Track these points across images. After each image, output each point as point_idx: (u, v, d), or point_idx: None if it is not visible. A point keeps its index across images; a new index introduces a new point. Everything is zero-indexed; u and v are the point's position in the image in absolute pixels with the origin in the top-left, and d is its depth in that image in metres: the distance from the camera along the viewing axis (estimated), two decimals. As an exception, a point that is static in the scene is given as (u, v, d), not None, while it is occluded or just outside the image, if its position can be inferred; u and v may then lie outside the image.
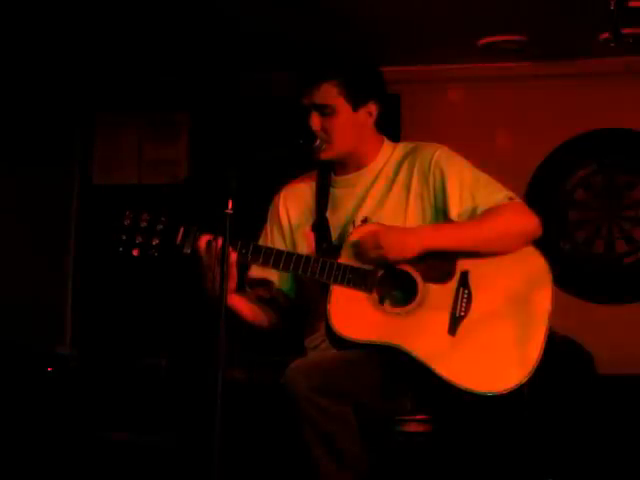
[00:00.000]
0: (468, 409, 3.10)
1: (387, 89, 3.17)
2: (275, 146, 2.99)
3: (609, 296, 5.30)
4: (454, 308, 2.95)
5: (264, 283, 3.18)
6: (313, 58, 3.17)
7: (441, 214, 3.05)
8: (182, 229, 3.00)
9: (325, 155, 3.09)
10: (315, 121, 3.06)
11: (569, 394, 4.72)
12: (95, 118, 5.97)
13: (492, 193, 3.03)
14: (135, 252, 3.01)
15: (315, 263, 2.96)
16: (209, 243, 2.93)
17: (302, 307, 3.18)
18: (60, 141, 5.85)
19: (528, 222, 3.02)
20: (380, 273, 2.96)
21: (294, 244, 3.19)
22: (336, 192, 3.18)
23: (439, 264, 2.97)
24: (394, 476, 3.14)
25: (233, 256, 2.93)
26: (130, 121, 5.95)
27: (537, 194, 5.26)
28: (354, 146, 3.12)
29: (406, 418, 3.03)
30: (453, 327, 2.94)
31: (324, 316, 2.94)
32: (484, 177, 3.07)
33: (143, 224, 3.01)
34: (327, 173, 3.20)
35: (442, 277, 2.98)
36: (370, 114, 3.13)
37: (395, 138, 3.27)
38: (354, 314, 2.94)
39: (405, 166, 3.12)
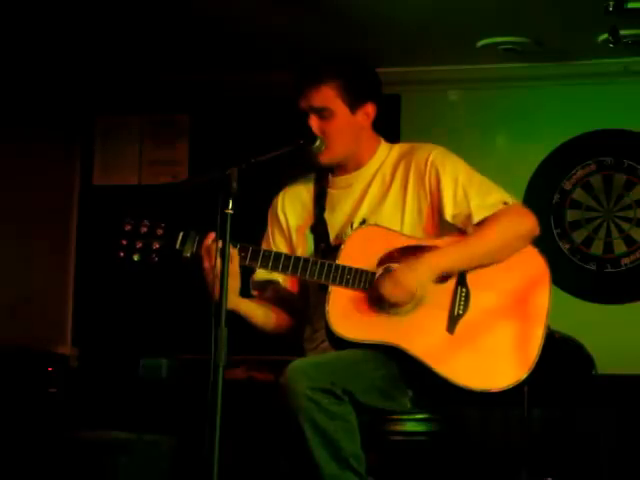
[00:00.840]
0: (469, 409, 3.11)
1: (384, 90, 3.18)
2: (275, 147, 3.00)
3: (608, 296, 5.30)
4: (452, 307, 2.96)
5: (270, 284, 3.19)
6: (310, 61, 3.18)
7: (437, 214, 3.06)
8: (181, 234, 3.01)
9: (325, 159, 3.10)
10: (313, 124, 3.07)
11: (569, 394, 4.72)
12: (95, 119, 5.97)
13: (486, 195, 3.03)
14: (135, 257, 3.03)
15: (313, 265, 2.97)
16: (209, 246, 2.94)
17: (302, 307, 3.19)
18: (61, 141, 5.85)
19: (526, 224, 3.02)
20: (378, 273, 2.97)
21: (294, 246, 3.19)
22: (334, 193, 3.18)
23: None
24: (394, 476, 3.14)
25: (234, 253, 2.94)
26: (130, 121, 5.95)
27: (536, 194, 5.26)
28: (352, 148, 3.12)
29: (406, 418, 3.03)
30: (451, 325, 2.94)
31: (323, 317, 2.95)
32: (479, 178, 3.07)
33: (143, 229, 3.03)
34: (325, 174, 3.20)
35: (440, 276, 2.99)
36: (367, 115, 3.13)
37: (395, 139, 3.27)
38: (353, 314, 2.95)
39: (402, 166, 3.12)
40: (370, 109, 3.13)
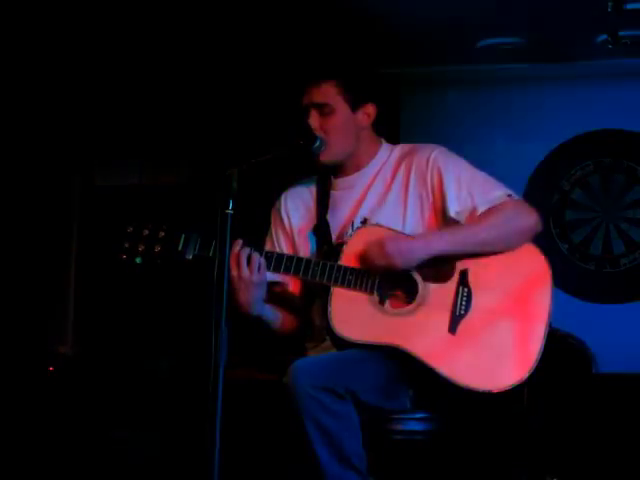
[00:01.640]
0: (468, 407, 3.12)
1: (385, 91, 3.19)
2: (275, 147, 3.00)
3: (607, 296, 5.31)
4: (454, 307, 2.96)
5: (275, 285, 3.19)
6: (313, 59, 3.19)
7: (440, 214, 3.06)
8: (183, 237, 3.02)
9: (324, 158, 3.10)
10: (314, 120, 3.08)
11: (569, 392, 4.73)
12: (97, 119, 5.98)
13: (490, 191, 3.03)
14: (138, 260, 3.04)
15: (315, 266, 2.98)
16: (238, 254, 2.95)
17: (305, 307, 3.20)
18: (62, 142, 5.86)
19: (528, 219, 3.03)
20: (380, 274, 2.98)
21: (296, 247, 3.20)
22: (336, 194, 3.19)
23: (439, 263, 2.98)
24: (394, 475, 3.15)
25: (263, 262, 2.96)
26: (131, 121, 5.96)
27: (535, 194, 5.26)
28: (352, 147, 3.13)
29: (406, 417, 3.04)
30: (453, 326, 2.95)
31: (325, 317, 2.96)
32: (481, 175, 3.08)
33: (145, 232, 3.04)
34: (327, 175, 3.21)
35: (442, 276, 2.99)
36: (368, 115, 3.14)
37: (394, 139, 3.28)
38: (355, 315, 2.96)
39: (403, 167, 3.13)
40: (371, 109, 3.14)
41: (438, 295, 2.97)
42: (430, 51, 5.29)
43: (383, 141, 3.23)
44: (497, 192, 3.04)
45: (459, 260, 2.99)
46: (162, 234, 3.03)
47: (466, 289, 2.97)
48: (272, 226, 3.28)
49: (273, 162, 2.97)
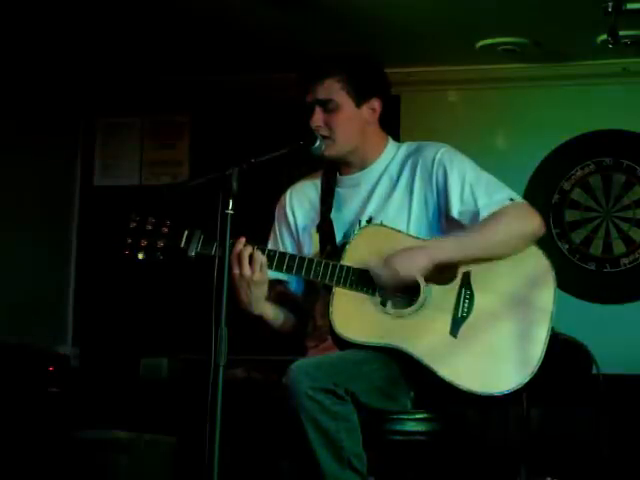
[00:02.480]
0: (469, 408, 3.11)
1: (390, 86, 3.19)
2: (275, 147, 3.00)
3: (607, 296, 5.30)
4: (456, 309, 2.95)
5: (277, 284, 3.18)
6: (316, 55, 3.19)
7: (444, 213, 3.06)
8: (186, 233, 3.00)
9: (329, 152, 3.09)
10: (318, 117, 3.07)
11: (569, 394, 4.73)
12: (96, 119, 5.98)
13: (493, 193, 3.03)
14: (140, 255, 3.02)
15: (318, 265, 2.97)
16: (240, 252, 2.94)
17: (307, 306, 3.19)
18: (61, 142, 5.86)
19: (531, 223, 3.02)
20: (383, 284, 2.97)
21: (300, 244, 3.19)
22: (341, 192, 3.18)
23: (441, 265, 2.97)
24: (394, 476, 3.15)
25: (264, 259, 2.95)
26: (131, 122, 5.96)
27: (535, 194, 5.26)
28: (357, 143, 3.12)
29: (406, 417, 3.03)
30: (455, 328, 2.94)
31: (327, 317, 2.95)
32: (486, 176, 3.07)
33: (148, 227, 3.02)
34: (332, 172, 3.20)
35: (444, 278, 2.98)
36: (373, 111, 3.13)
37: (395, 139, 3.26)
38: (356, 315, 2.95)
39: (408, 165, 3.12)
40: (376, 104, 3.13)
41: (440, 297, 2.96)
42: (430, 51, 5.29)
43: (390, 139, 3.22)
44: (500, 195, 3.03)
45: (462, 262, 2.99)
46: (165, 230, 3.02)
47: (468, 291, 2.97)
48: (276, 222, 3.27)
49: (273, 162, 2.96)
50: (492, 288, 2.98)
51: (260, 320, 3.09)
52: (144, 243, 3.01)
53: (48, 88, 5.55)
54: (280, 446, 2.94)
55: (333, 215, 3.15)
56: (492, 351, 2.95)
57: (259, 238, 3.25)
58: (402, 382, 2.97)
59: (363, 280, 2.95)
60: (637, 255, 5.32)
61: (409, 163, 3.13)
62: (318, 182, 3.24)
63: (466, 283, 2.97)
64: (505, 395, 2.94)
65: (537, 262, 3.02)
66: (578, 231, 5.42)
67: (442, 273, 2.97)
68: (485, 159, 3.28)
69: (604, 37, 4.66)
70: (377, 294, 2.96)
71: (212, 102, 5.78)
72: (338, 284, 2.95)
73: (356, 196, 3.15)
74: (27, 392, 4.90)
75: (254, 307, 3.01)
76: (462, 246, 2.96)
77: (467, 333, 2.94)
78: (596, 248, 5.38)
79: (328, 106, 3.07)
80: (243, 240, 2.94)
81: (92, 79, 5.66)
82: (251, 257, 2.94)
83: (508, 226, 2.98)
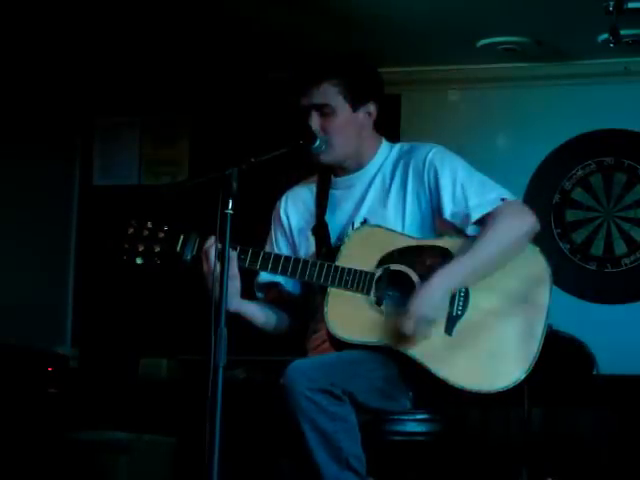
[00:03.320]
0: (468, 408, 3.11)
1: (385, 90, 3.18)
2: (275, 147, 2.99)
3: (608, 296, 5.30)
4: (451, 307, 2.94)
5: (274, 286, 3.18)
6: (312, 59, 3.17)
7: (437, 213, 3.04)
8: (181, 237, 3.01)
9: (325, 158, 3.08)
10: (315, 122, 3.06)
11: (569, 394, 4.72)
12: (96, 119, 5.98)
13: (485, 192, 3.01)
14: (138, 260, 3.03)
15: (312, 266, 2.97)
16: (207, 249, 2.94)
17: (305, 308, 3.19)
18: (61, 142, 5.86)
19: (525, 222, 3.00)
20: (377, 274, 2.97)
21: (296, 248, 3.19)
22: (336, 193, 3.17)
23: (436, 264, 2.96)
24: (394, 476, 3.14)
25: (233, 255, 2.94)
26: (131, 122, 5.96)
27: (536, 194, 5.26)
28: (354, 147, 3.11)
29: (406, 418, 3.03)
30: (450, 327, 2.93)
31: (322, 318, 2.95)
32: (478, 176, 3.06)
33: (145, 232, 3.03)
34: (327, 175, 3.20)
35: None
36: (369, 114, 3.12)
37: (395, 139, 3.26)
38: (351, 316, 2.94)
39: (401, 166, 3.11)
40: (372, 108, 3.12)
41: None
42: (430, 51, 5.29)
43: (383, 140, 3.21)
44: (492, 195, 3.01)
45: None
46: (161, 235, 3.03)
47: (463, 289, 2.96)
48: (272, 228, 3.26)
49: (273, 162, 2.96)
50: (487, 285, 2.97)
51: (238, 317, 3.07)
52: (141, 248, 3.02)
53: (48, 88, 5.55)
54: (280, 447, 2.94)
55: (327, 217, 3.14)
56: (488, 348, 2.94)
57: (259, 238, 3.25)
58: (400, 382, 2.97)
59: (357, 280, 2.95)
60: (638, 255, 5.32)
61: (402, 164, 3.12)
62: (313, 185, 3.23)
63: None
64: (502, 392, 2.93)
65: (532, 258, 3.01)
66: (579, 231, 5.41)
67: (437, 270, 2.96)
68: (486, 159, 3.29)
69: (605, 36, 4.65)
70: (372, 294, 2.95)
71: (212, 102, 5.78)
72: (333, 285, 2.95)
73: (350, 198, 3.14)
74: (26, 393, 4.90)
75: (228, 303, 2.99)
76: (472, 266, 2.94)
77: (462, 331, 2.93)
78: (597, 248, 5.38)
79: (324, 110, 3.05)
80: (212, 238, 2.93)
81: (91, 79, 5.66)
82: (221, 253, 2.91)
83: (506, 232, 2.97)
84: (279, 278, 3.13)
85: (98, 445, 4.60)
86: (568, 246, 5.40)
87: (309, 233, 3.15)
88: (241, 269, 3.00)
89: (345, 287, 2.95)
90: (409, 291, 2.95)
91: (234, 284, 2.99)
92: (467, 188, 3.01)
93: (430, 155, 3.07)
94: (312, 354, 3.10)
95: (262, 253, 3.01)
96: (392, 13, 4.74)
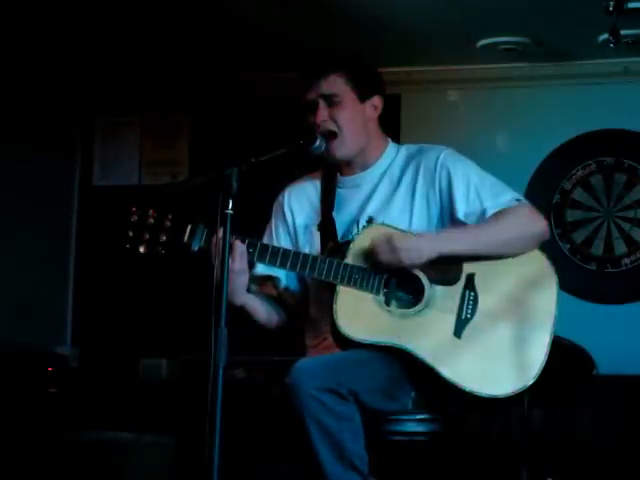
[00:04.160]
0: (470, 409, 3.11)
1: (386, 90, 3.20)
2: (275, 146, 2.99)
3: (608, 296, 5.30)
4: (460, 310, 2.95)
5: (270, 280, 3.18)
6: (318, 54, 3.20)
7: (447, 215, 3.06)
8: (189, 227, 2.99)
9: (340, 153, 3.09)
10: (323, 112, 3.07)
11: (569, 394, 4.72)
12: (95, 119, 5.98)
13: (499, 194, 3.03)
14: (142, 249, 3.01)
15: (322, 263, 2.96)
16: (219, 242, 2.93)
17: (305, 304, 3.18)
18: (60, 142, 5.85)
19: (538, 225, 3.03)
20: (387, 274, 2.97)
21: (297, 243, 3.19)
22: (341, 192, 3.18)
23: (446, 266, 2.97)
24: (395, 476, 3.14)
25: (243, 249, 2.93)
26: (131, 122, 5.95)
27: (536, 194, 5.25)
28: (363, 141, 3.12)
29: (407, 418, 3.02)
30: (459, 329, 2.94)
31: (330, 316, 2.94)
32: (490, 179, 3.08)
33: (150, 220, 3.01)
34: (333, 172, 3.20)
35: (448, 279, 2.98)
36: (375, 108, 3.14)
37: (395, 139, 3.27)
38: (360, 314, 2.95)
39: (411, 167, 3.12)
40: (377, 102, 3.15)
41: (444, 298, 2.96)
42: (431, 50, 5.29)
43: (390, 140, 3.22)
44: (506, 196, 3.03)
45: (466, 264, 2.98)
46: (168, 224, 3.01)
47: (472, 293, 2.97)
48: (272, 219, 3.26)
49: (273, 162, 2.95)
50: (496, 290, 2.99)
51: (242, 310, 3.07)
52: (146, 236, 3.00)
53: (47, 88, 5.55)
54: (280, 447, 2.94)
55: (334, 215, 3.14)
56: (495, 353, 2.95)
57: (259, 237, 3.24)
58: (404, 382, 2.98)
59: (367, 279, 2.94)
60: (638, 255, 5.31)
61: (411, 165, 3.13)
62: (317, 182, 3.23)
63: (470, 285, 2.97)
64: (507, 398, 2.94)
65: (540, 265, 3.02)
66: (579, 231, 5.41)
67: (446, 273, 2.97)
68: (486, 159, 3.28)
69: (605, 36, 4.65)
70: (381, 293, 2.95)
71: (212, 102, 5.78)
72: (342, 282, 2.95)
73: (356, 197, 3.15)
74: (26, 393, 4.90)
75: (235, 297, 2.99)
76: (470, 240, 2.96)
77: (471, 335, 2.94)
78: (597, 248, 5.38)
79: (332, 100, 3.07)
80: (222, 229, 2.92)
81: (91, 78, 5.66)
82: (231, 247, 2.91)
83: (517, 225, 2.99)
84: (280, 273, 3.13)
85: (98, 445, 4.60)
86: (568, 246, 5.40)
87: (314, 229, 3.15)
88: (249, 262, 3.00)
89: (354, 286, 2.95)
90: (418, 292, 2.95)
91: (242, 278, 2.98)
92: (481, 190, 3.02)
93: (442, 157, 3.08)
94: (313, 351, 3.11)
95: (270, 247, 3.00)
96: (392, 13, 4.74)
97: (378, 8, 4.67)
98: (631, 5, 4.21)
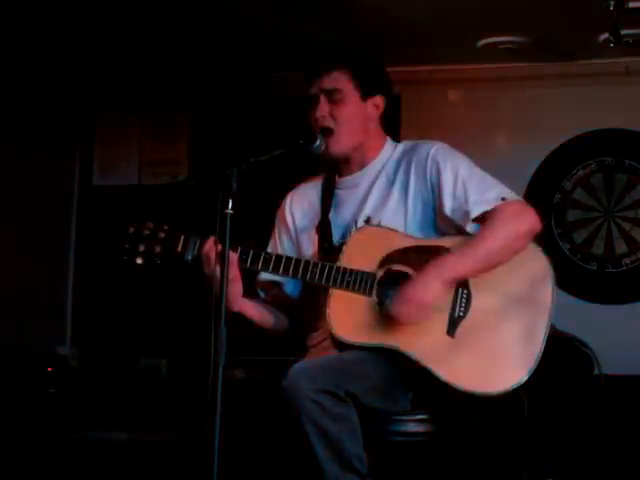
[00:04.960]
0: (467, 409, 3.10)
1: (392, 87, 3.19)
2: (275, 146, 2.99)
3: (609, 296, 5.30)
4: (453, 309, 2.94)
5: (275, 285, 3.19)
6: (322, 49, 3.20)
7: (439, 210, 3.04)
8: (182, 237, 3.01)
9: (332, 149, 3.08)
10: (323, 107, 3.06)
11: (570, 394, 4.72)
12: (95, 118, 5.98)
13: (485, 190, 3.00)
14: (139, 260, 3.03)
15: (314, 267, 2.97)
16: (208, 251, 2.94)
17: (304, 305, 3.18)
18: (60, 141, 5.85)
19: (525, 221, 2.99)
20: (379, 275, 2.96)
21: (299, 246, 3.19)
22: (340, 193, 3.18)
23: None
24: (394, 476, 3.14)
25: (234, 257, 2.94)
26: (130, 121, 5.96)
27: (536, 194, 5.26)
28: (359, 140, 3.11)
29: (406, 418, 3.02)
30: (452, 328, 2.93)
31: (324, 319, 2.95)
32: (480, 173, 3.05)
33: (146, 232, 3.03)
34: (333, 175, 3.20)
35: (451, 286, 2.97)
36: (377, 108, 3.14)
37: (395, 139, 3.26)
38: (353, 316, 2.94)
39: (404, 164, 3.11)
40: (379, 101, 3.14)
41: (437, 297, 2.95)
42: (431, 50, 5.29)
43: (388, 139, 3.21)
44: (492, 193, 3.00)
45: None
46: (162, 235, 3.03)
47: (465, 290, 2.95)
48: (276, 227, 3.27)
49: (273, 162, 2.95)
50: (489, 287, 2.97)
51: (241, 317, 3.07)
52: (142, 248, 3.02)
53: (48, 87, 5.55)
54: (280, 447, 2.93)
55: (331, 216, 3.15)
56: (490, 350, 2.94)
57: (259, 238, 3.25)
58: (401, 382, 2.97)
59: (359, 281, 2.94)
60: (639, 255, 5.32)
61: (404, 162, 3.12)
62: (319, 184, 3.24)
63: (463, 283, 2.96)
64: (503, 394, 2.93)
65: (535, 260, 3.01)
66: (580, 231, 5.41)
67: None
68: (486, 158, 3.28)
69: (606, 36, 4.65)
70: (374, 295, 2.95)
71: (212, 101, 5.78)
72: (334, 285, 2.95)
73: (354, 197, 3.15)
74: (26, 393, 4.90)
75: (231, 304, 2.99)
76: (471, 261, 2.93)
77: (464, 333, 2.93)
78: (598, 248, 5.38)
79: (334, 96, 3.06)
80: (212, 239, 2.92)
81: (91, 78, 5.66)
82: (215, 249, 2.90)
83: (504, 231, 2.95)
84: (277, 278, 3.14)
85: (97, 445, 4.60)
86: (568, 246, 5.40)
87: (313, 231, 3.16)
88: (243, 269, 3.01)
89: (347, 288, 2.94)
90: None
91: (236, 286, 2.99)
92: (468, 185, 3.00)
93: (432, 151, 3.07)
94: (313, 351, 3.11)
95: (263, 254, 3.01)
96: (393, 12, 4.74)
97: (379, 7, 4.67)
98: (631, 5, 4.21)
